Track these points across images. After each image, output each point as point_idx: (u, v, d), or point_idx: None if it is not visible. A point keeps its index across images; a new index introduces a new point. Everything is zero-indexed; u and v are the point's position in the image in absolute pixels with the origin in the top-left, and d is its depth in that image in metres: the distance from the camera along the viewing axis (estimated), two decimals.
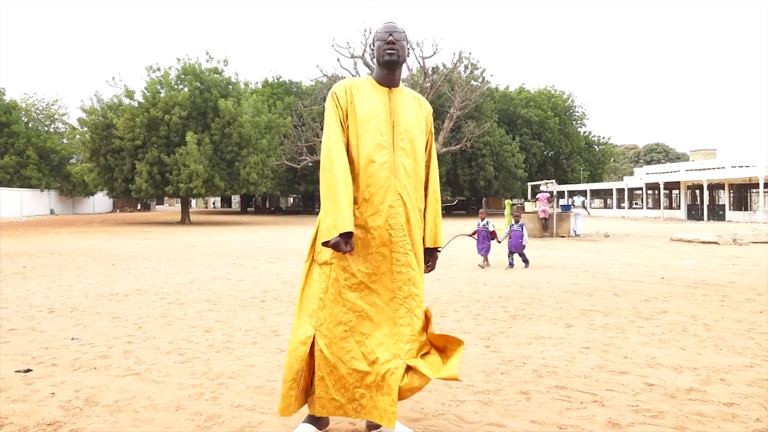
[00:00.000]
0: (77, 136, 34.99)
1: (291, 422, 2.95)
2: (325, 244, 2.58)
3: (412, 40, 47.28)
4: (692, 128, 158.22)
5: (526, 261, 10.41)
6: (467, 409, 3.16)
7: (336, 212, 2.54)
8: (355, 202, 2.69)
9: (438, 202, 2.95)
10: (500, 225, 21.03)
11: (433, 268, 2.95)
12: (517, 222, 10.66)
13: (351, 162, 2.71)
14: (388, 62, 2.77)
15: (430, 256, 2.92)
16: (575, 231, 20.13)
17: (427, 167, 2.94)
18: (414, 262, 2.72)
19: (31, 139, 47.92)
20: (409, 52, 2.93)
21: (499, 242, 10.80)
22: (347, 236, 2.55)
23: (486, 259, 10.51)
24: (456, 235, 12.37)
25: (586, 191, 47.92)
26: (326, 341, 2.65)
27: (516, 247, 10.42)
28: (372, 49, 2.88)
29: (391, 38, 2.77)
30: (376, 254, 2.68)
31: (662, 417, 3.03)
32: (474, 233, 10.76)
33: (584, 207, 20.63)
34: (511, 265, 10.32)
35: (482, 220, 10.59)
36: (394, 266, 2.69)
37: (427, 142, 2.94)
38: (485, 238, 10.40)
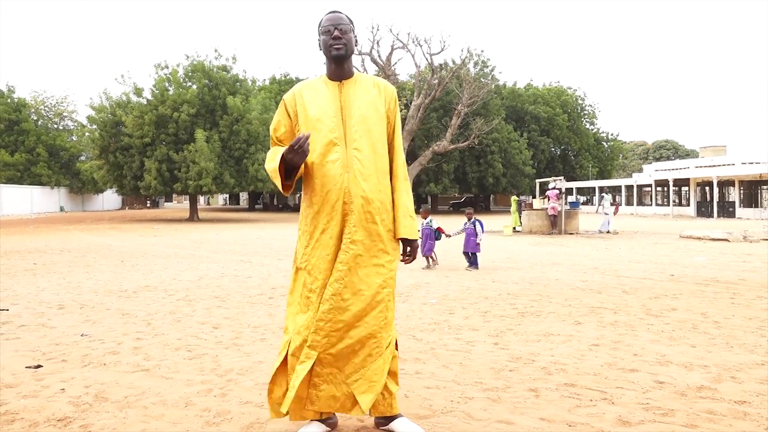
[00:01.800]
0: (86, 134, 35.24)
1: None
2: (287, 161, 2.58)
3: (419, 38, 47.13)
4: (702, 125, 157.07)
5: (474, 263, 9.75)
6: (476, 406, 3.15)
7: (271, 159, 2.68)
8: (314, 204, 2.70)
9: (405, 191, 2.81)
10: (506, 222, 21.04)
11: (413, 258, 2.82)
12: (469, 219, 10.07)
13: (306, 165, 2.71)
14: (336, 57, 2.72)
15: (408, 245, 2.80)
16: (604, 228, 19.98)
17: (391, 153, 2.82)
18: (350, 260, 2.63)
19: (40, 136, 48.27)
20: (356, 41, 2.83)
21: (449, 236, 10.29)
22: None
23: (431, 258, 9.97)
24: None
25: (594, 188, 47.70)
26: (309, 347, 2.64)
27: (469, 247, 9.84)
28: (319, 42, 2.78)
29: (336, 32, 2.70)
30: (334, 254, 2.67)
31: (673, 415, 3.01)
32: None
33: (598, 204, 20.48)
34: (472, 265, 9.78)
35: (424, 219, 10.04)
36: (337, 263, 2.65)
37: (390, 128, 2.83)
38: (428, 237, 9.89)
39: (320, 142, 2.69)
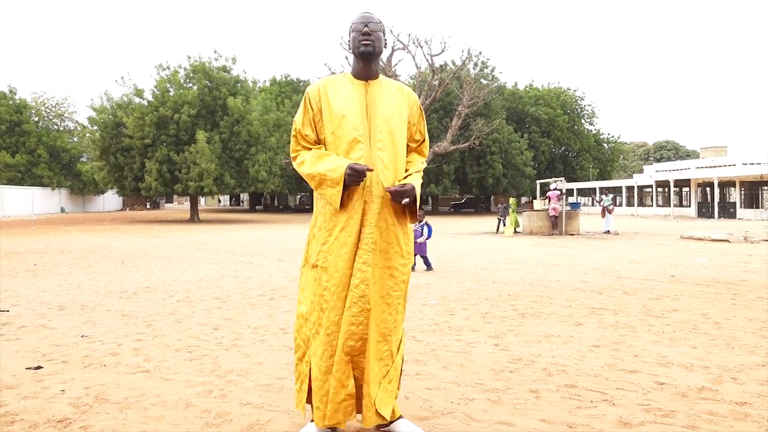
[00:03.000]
0: (87, 135, 35.29)
1: (300, 420, 2.94)
2: (349, 182, 2.57)
3: (420, 39, 47.03)
4: (703, 125, 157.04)
5: (426, 264, 9.64)
6: (476, 408, 3.14)
7: (327, 167, 2.63)
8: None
9: (419, 172, 2.83)
10: (506, 222, 21.03)
11: (403, 195, 2.65)
12: (420, 222, 9.70)
13: None
14: (364, 53, 2.72)
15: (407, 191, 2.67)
16: (608, 229, 20.09)
17: (419, 149, 2.91)
18: (371, 261, 2.64)
19: (41, 138, 48.31)
20: (386, 44, 2.84)
21: None
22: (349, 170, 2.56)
23: None
24: None
25: (595, 189, 47.69)
26: (345, 353, 2.63)
27: (416, 250, 9.54)
28: (349, 41, 2.80)
29: (366, 29, 2.71)
30: (351, 252, 2.66)
31: (673, 416, 3.00)
32: None
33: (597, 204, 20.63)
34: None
35: None
36: (356, 263, 2.64)
37: (415, 129, 2.88)
38: None
39: (344, 138, 2.69)
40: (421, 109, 2.90)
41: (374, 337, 2.64)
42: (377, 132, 2.71)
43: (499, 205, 21.83)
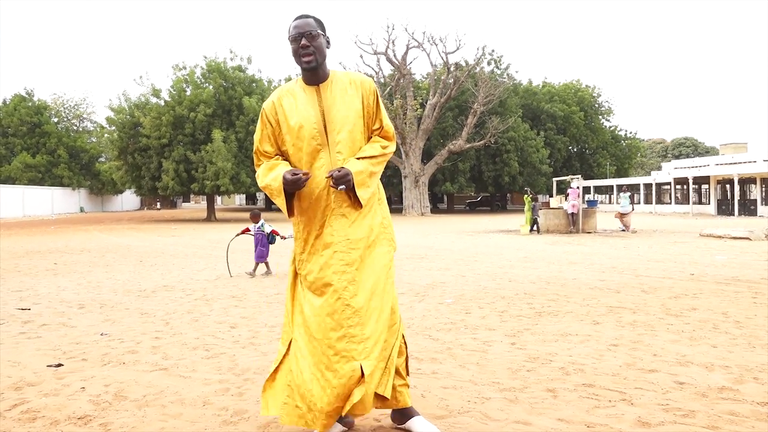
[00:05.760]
0: (105, 135, 35.76)
1: None
2: (287, 191, 2.62)
3: (434, 36, 46.81)
4: (722, 122, 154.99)
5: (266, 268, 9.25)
6: (493, 407, 3.13)
7: (271, 177, 2.67)
8: (306, 210, 2.71)
9: (373, 155, 2.73)
10: (522, 221, 20.88)
11: (338, 179, 2.56)
12: (258, 223, 9.39)
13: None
14: (307, 69, 2.69)
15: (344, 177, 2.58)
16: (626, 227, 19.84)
17: (381, 134, 2.83)
18: (356, 260, 2.64)
19: (61, 138, 49.01)
20: (328, 43, 2.75)
21: (284, 238, 9.27)
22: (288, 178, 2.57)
23: (264, 266, 9.31)
24: (233, 237, 10.52)
25: (613, 186, 47.24)
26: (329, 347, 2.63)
27: (259, 256, 9.25)
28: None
29: (304, 41, 2.63)
30: (322, 255, 2.67)
31: (693, 416, 2.97)
32: (244, 231, 9.64)
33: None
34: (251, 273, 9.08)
35: (256, 223, 9.44)
36: (333, 266, 2.63)
37: (375, 117, 2.80)
38: (260, 242, 9.24)
39: (305, 150, 2.69)
40: (377, 95, 2.83)
41: (378, 328, 2.63)
42: (335, 135, 2.69)
43: (534, 204, 21.18)
